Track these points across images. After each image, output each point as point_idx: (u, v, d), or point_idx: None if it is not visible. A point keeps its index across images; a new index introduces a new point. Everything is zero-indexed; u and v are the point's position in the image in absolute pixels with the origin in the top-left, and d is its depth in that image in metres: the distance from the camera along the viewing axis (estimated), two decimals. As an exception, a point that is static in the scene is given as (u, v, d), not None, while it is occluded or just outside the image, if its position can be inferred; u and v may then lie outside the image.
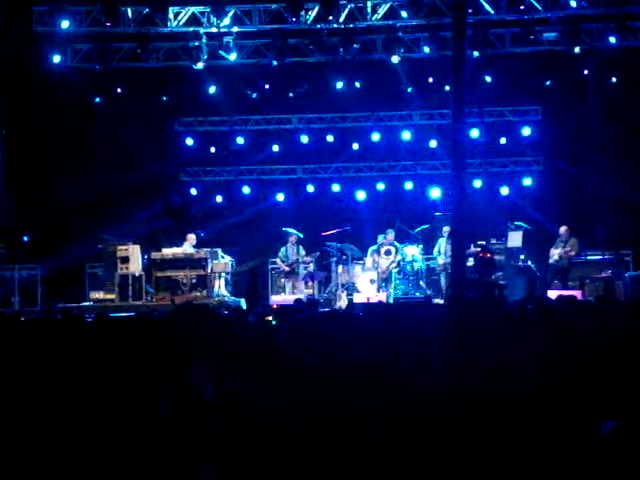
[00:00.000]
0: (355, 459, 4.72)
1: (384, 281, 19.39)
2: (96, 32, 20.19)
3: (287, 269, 19.80)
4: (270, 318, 10.44)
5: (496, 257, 19.44)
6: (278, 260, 19.95)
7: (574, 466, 4.46)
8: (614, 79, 20.14)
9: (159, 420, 5.07)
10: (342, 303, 18.69)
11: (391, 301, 18.42)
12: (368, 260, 19.59)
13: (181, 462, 4.18)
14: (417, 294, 19.28)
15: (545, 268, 19.12)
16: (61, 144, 21.08)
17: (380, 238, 19.83)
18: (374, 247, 19.69)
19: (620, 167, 20.40)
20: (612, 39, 19.41)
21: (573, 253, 18.86)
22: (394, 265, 19.45)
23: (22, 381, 6.07)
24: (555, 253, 18.85)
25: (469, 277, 18.34)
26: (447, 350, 7.24)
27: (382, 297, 18.25)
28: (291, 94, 21.47)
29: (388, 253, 19.43)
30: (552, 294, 16.00)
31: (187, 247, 19.70)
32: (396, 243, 19.67)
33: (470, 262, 18.45)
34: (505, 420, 5.20)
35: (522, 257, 19.29)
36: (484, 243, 19.11)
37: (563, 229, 18.99)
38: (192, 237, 19.91)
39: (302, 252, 19.86)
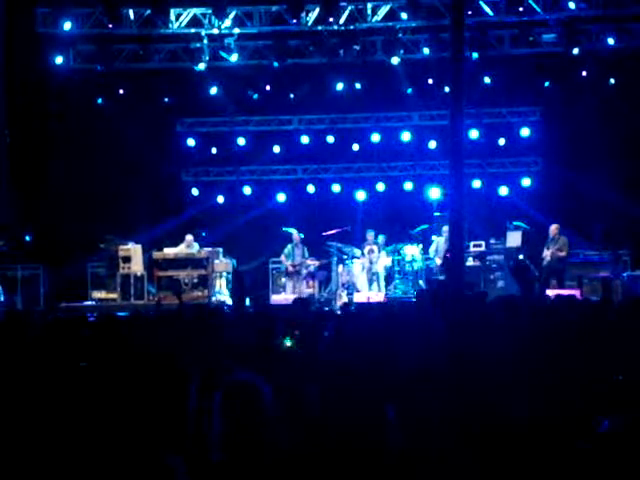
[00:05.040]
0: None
1: (371, 281, 19.46)
2: (98, 33, 20.28)
3: (291, 268, 19.84)
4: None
5: (495, 257, 19.57)
6: (282, 257, 20.04)
7: (573, 463, 4.50)
8: (612, 80, 20.23)
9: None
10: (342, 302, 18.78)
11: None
12: (365, 260, 19.67)
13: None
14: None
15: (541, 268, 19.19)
16: (63, 144, 21.16)
17: (380, 238, 20.04)
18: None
19: (619, 167, 20.47)
20: (611, 41, 19.47)
21: (563, 254, 18.70)
22: (379, 263, 19.54)
23: (25, 381, 6.12)
24: (547, 254, 18.88)
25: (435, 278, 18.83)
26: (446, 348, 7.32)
27: (381, 297, 18.41)
28: (292, 95, 21.58)
29: (371, 252, 19.57)
30: (551, 294, 16.18)
31: (183, 248, 19.78)
32: (378, 241, 19.81)
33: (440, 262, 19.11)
34: (505, 419, 5.25)
35: (521, 257, 19.35)
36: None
37: (553, 227, 18.92)
38: (189, 238, 19.95)
39: (306, 254, 19.94)
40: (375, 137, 22.31)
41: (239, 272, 19.48)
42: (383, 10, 19.81)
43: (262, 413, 3.97)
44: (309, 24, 19.88)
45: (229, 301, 19.01)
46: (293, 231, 20.17)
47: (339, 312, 13.33)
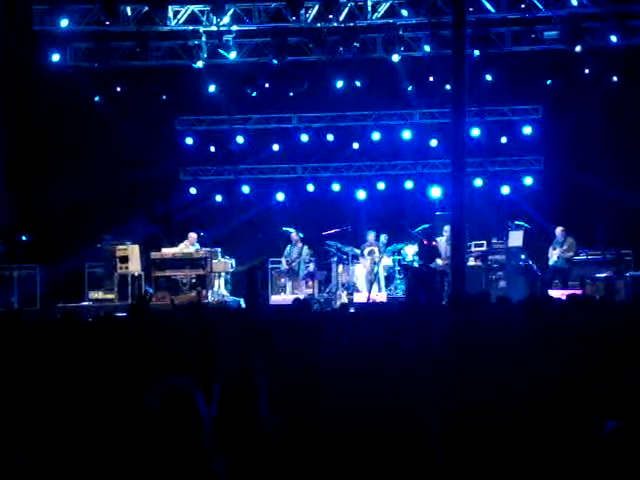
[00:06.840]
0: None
1: (370, 282, 19.33)
2: (95, 31, 20.20)
3: (286, 266, 19.89)
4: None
5: (497, 256, 19.44)
6: (283, 259, 20.03)
7: (574, 466, 4.44)
8: (615, 78, 20.14)
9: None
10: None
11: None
12: (367, 262, 19.54)
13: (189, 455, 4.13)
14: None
15: (545, 268, 19.08)
16: (61, 143, 21.03)
17: (382, 238, 19.92)
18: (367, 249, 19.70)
19: (621, 166, 20.38)
20: (613, 38, 19.36)
21: (571, 254, 18.81)
22: (379, 264, 19.42)
23: (22, 381, 6.04)
24: (554, 254, 18.85)
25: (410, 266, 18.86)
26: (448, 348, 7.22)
27: (383, 297, 18.34)
28: (291, 93, 21.44)
29: (372, 253, 19.44)
30: (554, 294, 16.04)
31: (183, 246, 19.63)
32: (380, 243, 19.68)
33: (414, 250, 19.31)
34: (505, 420, 5.17)
35: (523, 257, 19.25)
36: (427, 232, 19.11)
37: (559, 230, 19.01)
38: (193, 236, 19.84)
39: (306, 252, 19.83)
40: (375, 135, 22.24)
41: (253, 272, 19.41)
42: (383, 7, 19.70)
43: (195, 416, 3.92)
44: (308, 21, 19.78)
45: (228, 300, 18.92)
46: (291, 231, 20.09)
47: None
